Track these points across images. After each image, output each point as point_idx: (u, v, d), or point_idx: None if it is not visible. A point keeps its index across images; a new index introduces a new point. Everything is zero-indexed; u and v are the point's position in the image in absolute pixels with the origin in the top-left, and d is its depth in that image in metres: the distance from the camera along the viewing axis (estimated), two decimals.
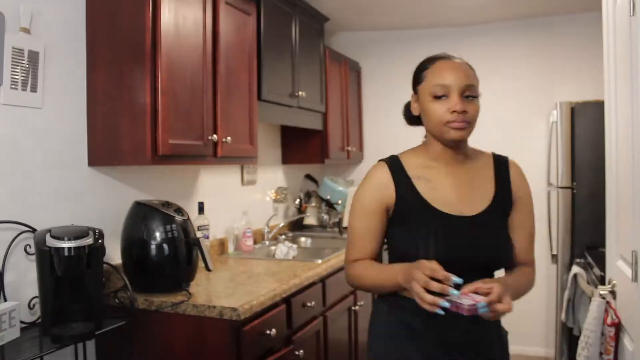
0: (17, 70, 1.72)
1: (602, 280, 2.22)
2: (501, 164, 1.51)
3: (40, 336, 1.63)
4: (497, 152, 1.58)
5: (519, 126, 3.92)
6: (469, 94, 1.34)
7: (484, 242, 1.35)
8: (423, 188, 1.39)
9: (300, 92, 3.07)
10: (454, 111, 1.31)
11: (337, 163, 4.20)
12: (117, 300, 1.90)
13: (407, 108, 1.55)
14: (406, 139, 4.85)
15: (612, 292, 1.75)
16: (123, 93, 1.94)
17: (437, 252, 1.29)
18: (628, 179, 1.53)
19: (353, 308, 2.95)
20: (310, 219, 3.71)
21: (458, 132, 1.33)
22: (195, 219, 2.52)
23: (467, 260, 1.31)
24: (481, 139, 4.34)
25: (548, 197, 3.48)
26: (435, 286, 1.16)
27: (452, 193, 1.39)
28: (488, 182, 1.45)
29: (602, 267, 2.10)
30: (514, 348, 4.38)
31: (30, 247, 1.76)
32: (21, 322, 1.63)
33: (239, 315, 1.79)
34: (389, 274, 1.34)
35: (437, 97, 1.35)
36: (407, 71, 4.89)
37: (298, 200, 3.79)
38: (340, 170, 4.39)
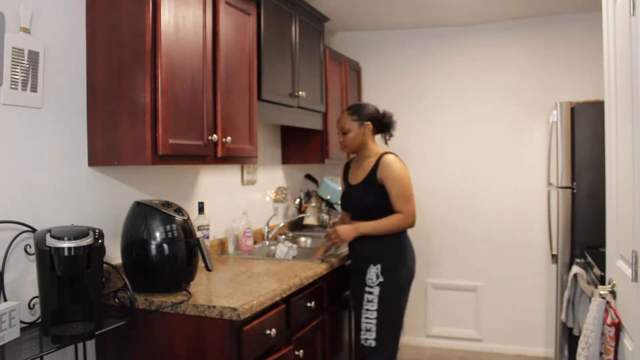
0: (17, 70, 1.72)
1: (602, 280, 2.22)
2: (377, 161, 2.61)
3: (40, 336, 1.63)
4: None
5: (519, 126, 3.92)
6: (342, 131, 2.72)
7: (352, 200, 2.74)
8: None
9: (300, 92, 3.07)
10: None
11: (337, 163, 4.19)
12: (117, 300, 1.90)
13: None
14: (404, 138, 4.86)
15: (612, 292, 1.75)
16: (123, 93, 1.94)
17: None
18: (628, 178, 1.53)
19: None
20: (310, 219, 3.71)
21: (342, 150, 2.86)
22: (195, 219, 2.52)
23: (350, 209, 2.77)
24: (481, 139, 4.35)
25: (548, 197, 3.48)
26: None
27: (352, 175, 2.79)
28: (367, 170, 2.64)
29: (602, 267, 2.10)
30: (514, 348, 4.40)
31: (30, 247, 1.76)
32: (21, 322, 1.63)
33: (239, 315, 1.79)
34: None
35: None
36: (407, 71, 4.91)
37: (298, 200, 3.79)
38: (340, 170, 4.38)
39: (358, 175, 2.67)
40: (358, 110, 2.69)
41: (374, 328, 2.51)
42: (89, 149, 2.02)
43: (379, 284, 2.53)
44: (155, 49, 1.92)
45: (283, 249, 2.95)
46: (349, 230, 2.57)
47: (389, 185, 2.53)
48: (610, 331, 1.66)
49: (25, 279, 1.77)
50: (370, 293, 2.53)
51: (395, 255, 2.58)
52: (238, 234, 2.94)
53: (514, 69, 3.92)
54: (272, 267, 2.51)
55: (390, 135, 2.77)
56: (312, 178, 4.03)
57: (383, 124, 2.72)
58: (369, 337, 2.51)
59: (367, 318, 2.52)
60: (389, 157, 2.59)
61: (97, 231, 1.70)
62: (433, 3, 3.52)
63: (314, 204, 3.77)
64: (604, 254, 1.96)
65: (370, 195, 2.58)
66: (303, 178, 4.00)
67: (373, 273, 2.55)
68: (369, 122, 2.66)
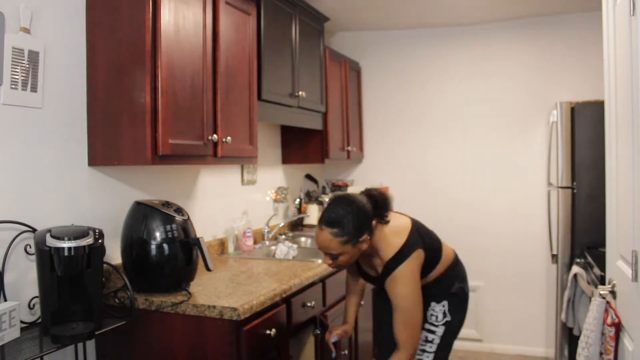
0: (17, 70, 1.72)
1: (602, 280, 2.22)
2: (385, 268, 1.97)
3: (40, 336, 1.63)
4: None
5: (519, 126, 3.92)
6: (330, 256, 1.93)
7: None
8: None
9: (300, 92, 3.07)
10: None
11: (337, 163, 4.20)
12: (117, 300, 1.90)
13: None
14: (404, 137, 4.85)
15: (612, 292, 1.74)
16: (123, 93, 1.94)
17: None
18: (628, 178, 1.53)
19: None
20: (310, 219, 3.71)
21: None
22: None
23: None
24: (481, 139, 4.34)
25: (548, 197, 3.48)
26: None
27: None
28: (379, 270, 2.02)
29: (602, 267, 2.10)
30: (514, 348, 4.39)
31: (30, 247, 1.76)
32: (21, 322, 1.63)
33: (239, 315, 1.79)
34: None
35: None
36: (407, 71, 4.90)
37: (298, 200, 3.79)
38: (340, 170, 4.39)
39: (372, 265, 2.05)
40: (343, 227, 1.85)
41: None
42: (89, 148, 2.02)
43: (445, 324, 2.10)
44: (155, 49, 1.92)
45: (283, 249, 2.95)
46: None
47: (394, 303, 1.93)
48: (610, 331, 1.66)
49: (25, 279, 1.77)
50: (432, 332, 2.10)
51: (460, 289, 2.15)
52: (238, 234, 2.94)
53: (514, 69, 3.92)
54: (272, 267, 2.51)
55: (386, 217, 1.98)
56: (312, 178, 4.03)
57: (379, 215, 1.96)
58: None
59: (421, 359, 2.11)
60: (398, 273, 1.92)
61: (97, 231, 1.70)
62: (433, 3, 3.52)
63: (314, 204, 3.77)
64: (604, 254, 1.96)
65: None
66: (303, 178, 4.00)
67: (439, 311, 2.10)
68: (364, 236, 1.89)
